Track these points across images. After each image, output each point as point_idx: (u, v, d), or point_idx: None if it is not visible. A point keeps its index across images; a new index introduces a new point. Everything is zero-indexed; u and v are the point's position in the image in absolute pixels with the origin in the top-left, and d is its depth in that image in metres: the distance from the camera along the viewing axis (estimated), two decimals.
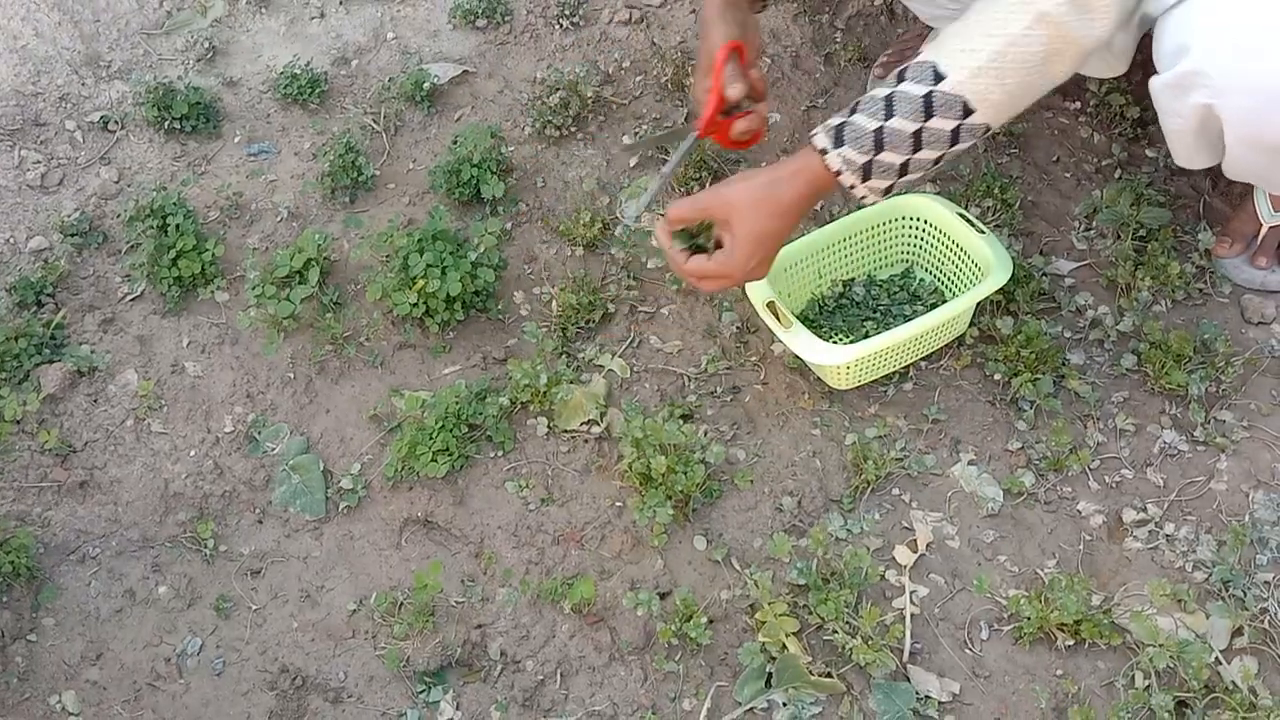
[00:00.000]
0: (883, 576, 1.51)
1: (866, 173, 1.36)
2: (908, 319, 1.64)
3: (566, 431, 1.68)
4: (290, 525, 1.64)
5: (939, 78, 1.31)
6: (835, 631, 1.45)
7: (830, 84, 2.01)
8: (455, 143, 1.94)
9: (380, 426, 1.70)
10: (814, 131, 1.38)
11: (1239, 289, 1.71)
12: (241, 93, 2.10)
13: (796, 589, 1.50)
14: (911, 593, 1.50)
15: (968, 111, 1.31)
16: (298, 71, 2.07)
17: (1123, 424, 1.61)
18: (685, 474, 1.55)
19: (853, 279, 1.76)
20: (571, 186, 1.95)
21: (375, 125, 2.03)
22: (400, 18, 2.18)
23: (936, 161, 1.36)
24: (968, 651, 1.46)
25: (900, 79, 1.34)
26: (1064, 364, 1.64)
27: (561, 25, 2.13)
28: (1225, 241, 1.72)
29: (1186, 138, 1.41)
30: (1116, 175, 1.83)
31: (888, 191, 1.39)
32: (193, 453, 1.71)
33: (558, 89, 2.01)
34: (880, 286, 1.74)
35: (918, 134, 1.33)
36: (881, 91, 1.35)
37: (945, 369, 1.69)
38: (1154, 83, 1.37)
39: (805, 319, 1.72)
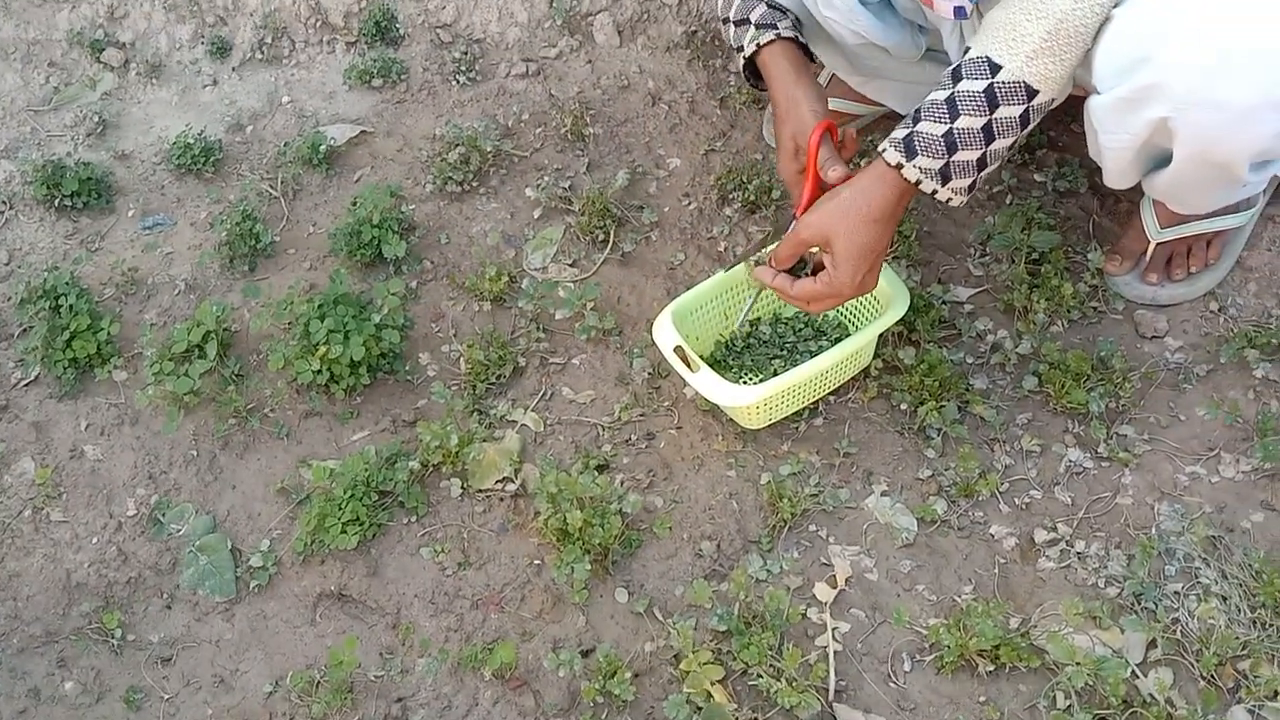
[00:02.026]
0: (804, 615, 1.51)
1: (945, 176, 1.38)
2: (814, 355, 1.66)
3: (481, 491, 1.66)
4: (200, 608, 1.59)
5: (995, 69, 1.33)
6: (760, 676, 1.44)
7: (727, 127, 2.04)
8: (355, 204, 1.92)
9: (289, 499, 1.67)
10: (882, 147, 1.39)
11: (1131, 305, 1.75)
12: (134, 165, 2.07)
13: (719, 635, 1.49)
14: (833, 630, 1.50)
15: (1032, 93, 1.33)
16: (191, 141, 2.04)
17: (1028, 445, 1.63)
18: (602, 526, 1.53)
19: (759, 318, 1.77)
20: (476, 241, 1.94)
21: (273, 191, 2.01)
22: (295, 81, 2.16)
23: (1012, 146, 1.37)
24: (892, 685, 1.46)
25: (956, 78, 1.35)
26: (967, 389, 1.67)
27: (458, 81, 2.13)
28: (1115, 260, 1.77)
29: (1127, 155, 1.40)
30: (1008, 201, 1.87)
31: (971, 188, 1.40)
32: (95, 540, 1.65)
33: (457, 145, 2.00)
34: (786, 324, 1.76)
35: (988, 126, 1.34)
36: (941, 94, 1.36)
37: (853, 402, 1.70)
38: (1095, 102, 1.36)
39: (714, 360, 1.72)
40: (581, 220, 1.92)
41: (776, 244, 1.52)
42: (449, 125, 2.05)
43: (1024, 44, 1.32)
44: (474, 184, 2.00)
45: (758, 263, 1.53)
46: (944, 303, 1.76)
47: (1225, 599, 1.47)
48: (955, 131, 1.35)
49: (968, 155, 1.37)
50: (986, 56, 1.34)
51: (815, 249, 1.48)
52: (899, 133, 1.39)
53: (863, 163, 1.52)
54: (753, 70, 1.60)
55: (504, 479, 1.66)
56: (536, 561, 1.58)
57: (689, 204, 1.95)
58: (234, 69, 2.17)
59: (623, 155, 2.02)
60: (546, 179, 1.99)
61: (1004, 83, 1.33)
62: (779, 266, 1.51)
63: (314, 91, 2.14)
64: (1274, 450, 1.57)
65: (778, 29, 1.54)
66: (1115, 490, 1.59)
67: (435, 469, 1.67)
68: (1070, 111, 1.52)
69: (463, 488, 1.65)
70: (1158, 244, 1.73)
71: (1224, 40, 1.23)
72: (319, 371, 1.69)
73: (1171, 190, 1.48)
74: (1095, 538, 1.55)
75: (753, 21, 1.56)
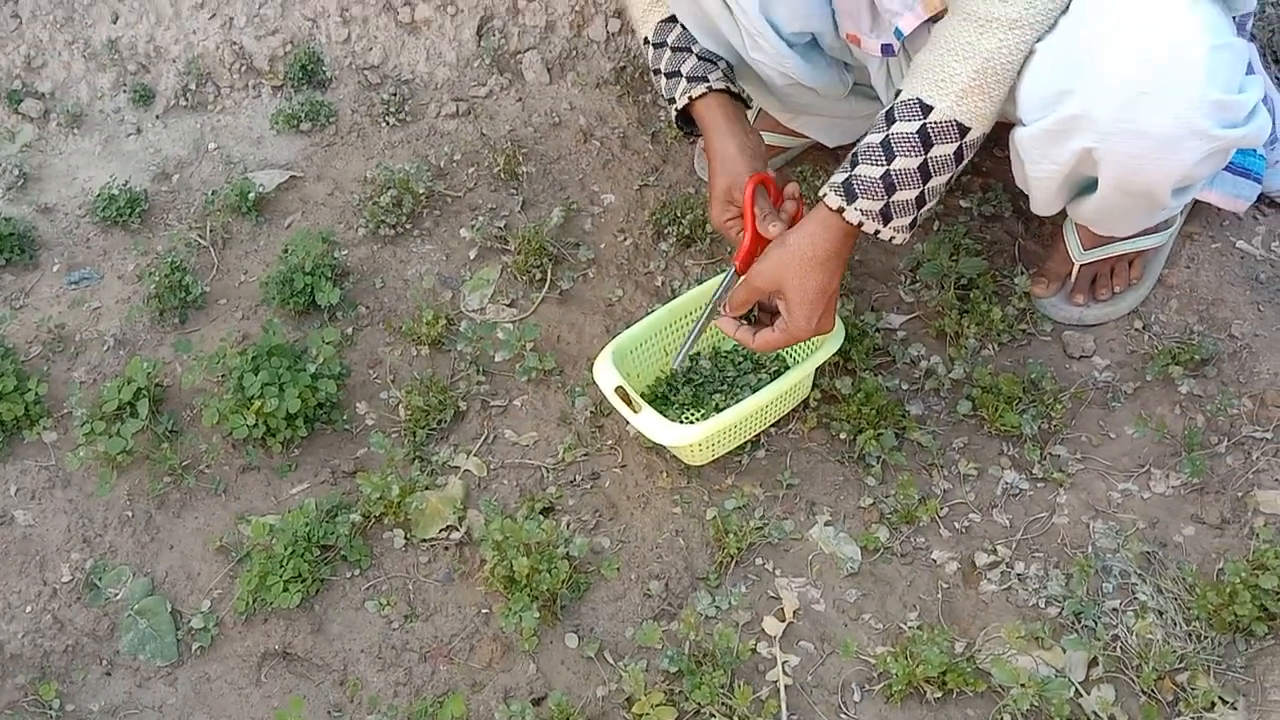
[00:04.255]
0: (754, 650, 1.52)
1: (886, 216, 1.41)
2: (754, 388, 1.67)
3: (425, 540, 1.64)
4: (141, 674, 1.56)
5: (927, 109, 1.36)
6: (713, 715, 1.44)
7: (659, 162, 2.05)
8: (286, 251, 1.90)
9: (229, 557, 1.64)
10: (823, 192, 1.43)
11: (1059, 326, 1.79)
12: (58, 219, 2.02)
13: (671, 676, 1.49)
14: (783, 663, 1.51)
15: (964, 131, 1.37)
16: (116, 192, 2.00)
17: (965, 469, 1.66)
18: (549, 572, 1.53)
19: (699, 353, 1.78)
20: (411, 285, 1.92)
21: (202, 240, 1.98)
22: (221, 127, 2.13)
23: (949, 182, 1.41)
24: (843, 716, 1.47)
25: (890, 121, 1.38)
26: (904, 416, 1.69)
27: (388, 122, 2.12)
28: (1041, 282, 1.81)
29: (1053, 184, 1.44)
30: (935, 228, 1.91)
31: (912, 225, 1.43)
32: (29, 609, 1.61)
33: (389, 187, 1.99)
34: (725, 358, 1.77)
35: (924, 166, 1.38)
36: (876, 138, 1.39)
37: (794, 433, 1.72)
38: (1021, 134, 1.40)
39: (656, 396, 1.73)
40: (518, 259, 1.92)
41: (731, 291, 1.55)
42: (380, 167, 2.04)
43: (953, 84, 1.35)
44: (407, 226, 1.99)
45: (718, 312, 1.58)
46: (877, 330, 1.78)
47: (1161, 613, 1.51)
48: (893, 173, 1.38)
49: (906, 195, 1.40)
50: (918, 98, 1.37)
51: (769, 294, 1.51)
52: (838, 177, 1.42)
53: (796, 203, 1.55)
54: (686, 119, 1.62)
55: (448, 527, 1.64)
56: (484, 610, 1.57)
57: (625, 240, 1.96)
58: (158, 116, 2.13)
59: (557, 193, 2.02)
60: (481, 219, 1.98)
61: (936, 123, 1.36)
62: (733, 313, 1.55)
63: (241, 137, 2.12)
64: (1201, 465, 1.61)
65: (709, 81, 1.56)
66: (1051, 510, 1.62)
67: (377, 520, 1.65)
68: (993, 137, 1.56)
69: (406, 538, 1.64)
70: (1082, 265, 1.77)
71: (1144, 71, 1.27)
72: (254, 425, 1.67)
73: (1096, 216, 1.52)
74: (1034, 558, 1.58)
75: (684, 74, 1.57)
